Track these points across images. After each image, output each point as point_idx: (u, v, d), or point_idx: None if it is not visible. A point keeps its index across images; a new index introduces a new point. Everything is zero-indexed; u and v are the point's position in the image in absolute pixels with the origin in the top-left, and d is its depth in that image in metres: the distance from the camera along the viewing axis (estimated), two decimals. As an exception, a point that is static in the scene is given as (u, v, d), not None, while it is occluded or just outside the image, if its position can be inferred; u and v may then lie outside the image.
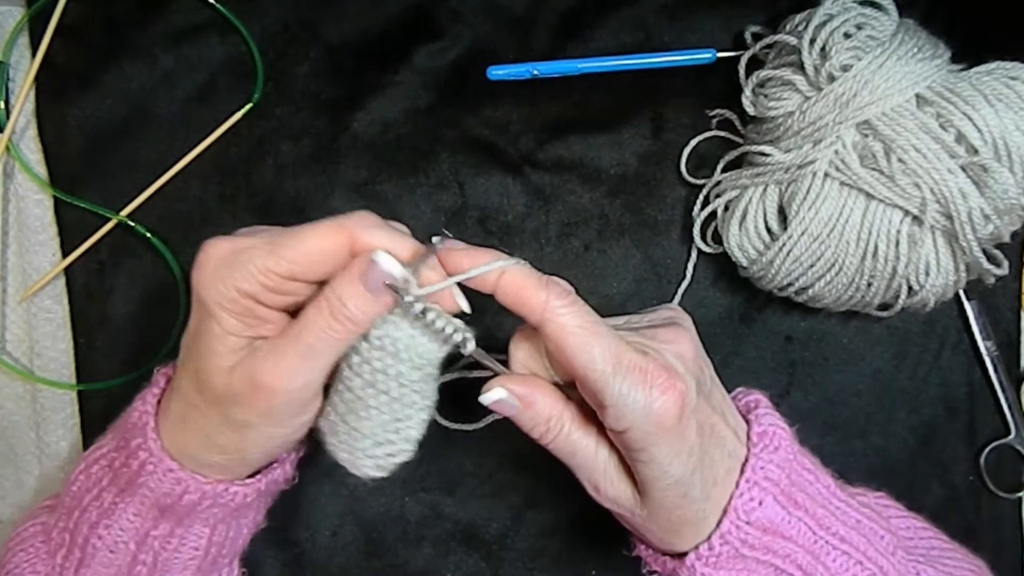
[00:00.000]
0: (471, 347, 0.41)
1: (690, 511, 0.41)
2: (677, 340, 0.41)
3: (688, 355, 0.41)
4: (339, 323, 0.39)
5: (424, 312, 0.39)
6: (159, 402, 0.44)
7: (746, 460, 0.42)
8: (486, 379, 0.42)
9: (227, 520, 0.46)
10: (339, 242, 0.39)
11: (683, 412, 0.39)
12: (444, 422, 0.55)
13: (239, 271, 0.39)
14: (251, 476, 0.45)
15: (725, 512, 0.41)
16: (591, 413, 0.42)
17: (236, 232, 0.42)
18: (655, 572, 0.45)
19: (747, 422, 0.44)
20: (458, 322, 0.40)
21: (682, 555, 0.42)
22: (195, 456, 0.42)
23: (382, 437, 0.42)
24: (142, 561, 0.44)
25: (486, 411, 0.45)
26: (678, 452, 0.39)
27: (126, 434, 0.44)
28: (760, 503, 0.41)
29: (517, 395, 0.41)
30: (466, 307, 0.41)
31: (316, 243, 0.39)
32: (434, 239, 0.41)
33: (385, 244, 0.39)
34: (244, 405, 0.40)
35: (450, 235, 0.41)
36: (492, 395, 0.41)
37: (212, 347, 0.40)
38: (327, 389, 0.42)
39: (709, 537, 0.41)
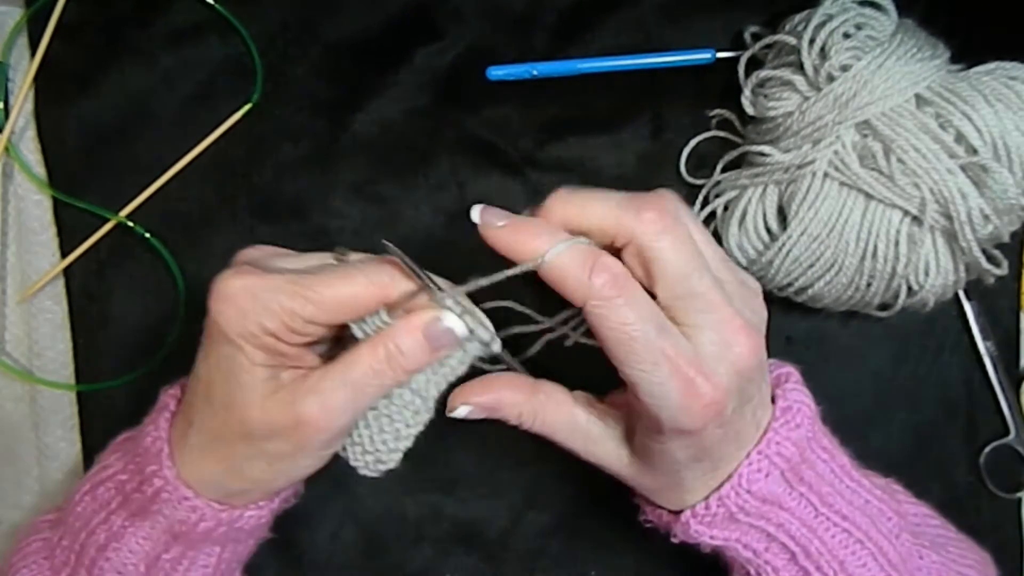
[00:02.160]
0: (497, 347, 0.41)
1: (680, 484, 0.41)
2: (744, 347, 0.38)
3: (748, 364, 0.38)
4: (394, 372, 0.39)
5: (471, 331, 0.40)
6: (171, 426, 0.44)
7: (765, 431, 0.41)
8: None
9: (238, 540, 0.46)
10: (372, 295, 0.39)
11: (709, 424, 0.38)
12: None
13: (263, 309, 0.38)
14: None
15: (728, 477, 0.41)
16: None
17: (249, 255, 0.42)
18: (650, 522, 0.46)
19: (774, 396, 0.43)
20: (490, 327, 0.41)
21: (678, 511, 0.43)
22: (218, 485, 0.42)
23: (380, 443, 0.43)
24: None
25: None
26: (689, 446, 0.39)
27: (137, 458, 0.43)
28: (767, 475, 0.41)
29: (481, 406, 0.41)
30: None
31: (348, 294, 0.39)
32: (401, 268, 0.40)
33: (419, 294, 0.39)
34: (282, 439, 0.40)
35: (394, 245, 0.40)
36: (459, 412, 0.41)
37: (242, 380, 0.39)
38: None
39: (707, 497, 0.42)
